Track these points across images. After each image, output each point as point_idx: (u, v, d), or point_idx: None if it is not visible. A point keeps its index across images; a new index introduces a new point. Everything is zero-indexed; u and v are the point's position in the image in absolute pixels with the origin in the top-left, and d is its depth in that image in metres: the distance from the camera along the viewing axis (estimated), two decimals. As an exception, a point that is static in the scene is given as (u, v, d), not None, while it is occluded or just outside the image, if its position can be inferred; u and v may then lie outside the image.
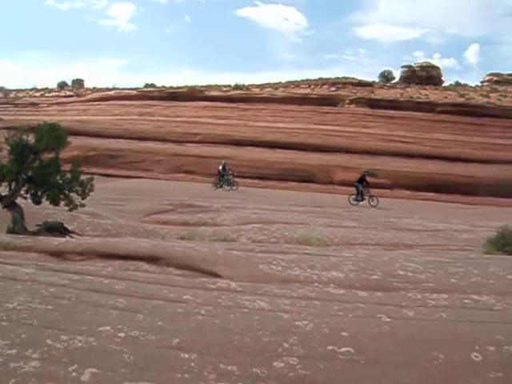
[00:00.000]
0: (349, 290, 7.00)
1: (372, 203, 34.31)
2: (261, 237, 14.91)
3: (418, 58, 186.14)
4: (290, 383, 4.37)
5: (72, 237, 13.28)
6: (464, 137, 53.40)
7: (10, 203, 14.04)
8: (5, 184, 14.17)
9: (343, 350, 4.92)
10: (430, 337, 5.32)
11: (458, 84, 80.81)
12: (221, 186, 36.82)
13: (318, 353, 4.87)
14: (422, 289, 7.33)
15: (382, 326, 5.55)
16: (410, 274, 8.10)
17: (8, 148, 14.21)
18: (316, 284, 7.20)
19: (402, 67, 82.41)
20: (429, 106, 61.44)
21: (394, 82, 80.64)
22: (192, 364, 4.58)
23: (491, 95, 67.23)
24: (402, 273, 8.08)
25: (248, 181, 43.44)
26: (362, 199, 35.03)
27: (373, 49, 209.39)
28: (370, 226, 18.80)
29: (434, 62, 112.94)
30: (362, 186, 35.57)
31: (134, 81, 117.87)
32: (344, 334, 5.27)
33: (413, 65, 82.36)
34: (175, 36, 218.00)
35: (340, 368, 4.64)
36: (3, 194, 14.12)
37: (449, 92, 69.74)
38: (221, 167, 38.18)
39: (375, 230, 17.39)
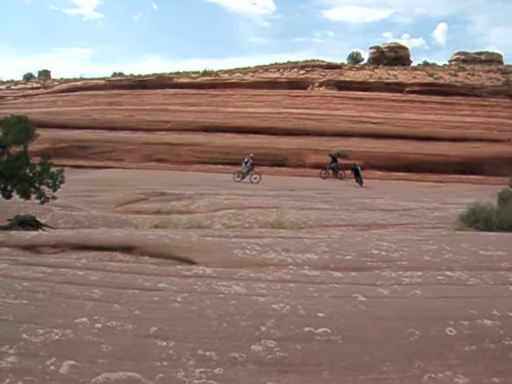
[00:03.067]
0: (323, 271, 7.04)
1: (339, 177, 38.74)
2: (234, 222, 14.92)
3: (387, 39, 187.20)
4: (269, 366, 4.41)
5: (44, 230, 13.16)
6: (433, 116, 53.80)
7: (-21, 198, 13.89)
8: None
9: (320, 330, 4.96)
10: (406, 314, 5.39)
11: (426, 64, 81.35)
12: (243, 177, 36.17)
13: (295, 334, 4.91)
14: (396, 267, 7.41)
15: (358, 306, 5.60)
16: (383, 253, 8.17)
17: (-25, 142, 14.03)
18: (291, 266, 7.23)
19: (371, 48, 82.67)
20: (398, 87, 61.85)
21: (362, 63, 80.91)
22: (170, 351, 4.58)
23: (459, 74, 67.89)
24: (375, 252, 8.15)
25: (219, 167, 43.37)
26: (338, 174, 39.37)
27: (341, 31, 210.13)
28: (342, 207, 18.91)
29: (403, 42, 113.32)
30: (335, 164, 37.38)
31: (102, 70, 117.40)
32: (320, 314, 5.30)
33: (381, 46, 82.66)
34: (143, 24, 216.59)
35: (317, 348, 4.68)
36: (-28, 189, 13.95)
37: (417, 72, 70.24)
38: (246, 159, 37.82)
39: (348, 211, 17.51)
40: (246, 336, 4.86)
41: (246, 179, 35.74)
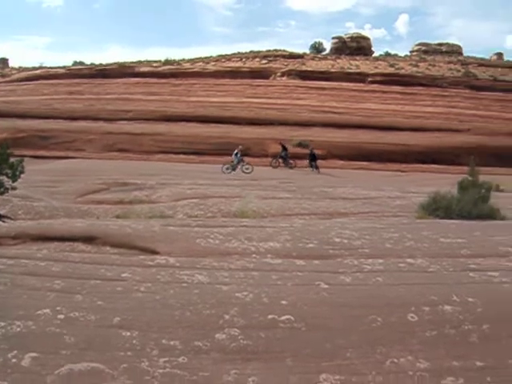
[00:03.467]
0: (286, 259, 7.09)
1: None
2: (197, 212, 14.86)
3: (350, 29, 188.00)
4: (233, 354, 4.43)
5: (4, 221, 12.95)
6: (395, 106, 54.34)
7: None
8: None
9: (283, 318, 5.00)
10: (368, 301, 5.46)
11: (387, 54, 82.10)
12: (233, 169, 35.23)
13: (259, 322, 4.94)
14: (358, 255, 7.49)
15: (321, 293, 5.65)
16: (345, 241, 8.25)
17: None
18: (254, 255, 7.26)
19: (333, 38, 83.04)
20: (359, 77, 62.30)
21: (325, 53, 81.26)
22: (134, 341, 4.58)
23: (420, 65, 68.73)
24: (337, 240, 8.23)
25: (182, 156, 43.15)
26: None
27: (304, 20, 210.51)
28: (304, 196, 18.97)
29: (365, 32, 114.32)
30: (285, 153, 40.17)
31: (62, 59, 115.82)
32: (283, 302, 5.34)
33: (343, 36, 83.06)
34: (103, 12, 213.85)
35: (281, 336, 4.72)
36: None
37: (379, 62, 70.87)
38: (236, 152, 37.24)
39: (310, 200, 17.56)
40: (210, 324, 4.87)
41: (237, 170, 35.00)
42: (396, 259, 7.24)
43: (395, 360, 4.40)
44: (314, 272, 6.43)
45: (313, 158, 39.98)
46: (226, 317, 5.01)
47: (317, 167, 39.06)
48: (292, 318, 5.00)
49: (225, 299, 5.41)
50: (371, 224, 10.58)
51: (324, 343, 4.61)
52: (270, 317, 5.02)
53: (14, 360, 4.28)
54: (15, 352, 4.37)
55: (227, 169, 34.66)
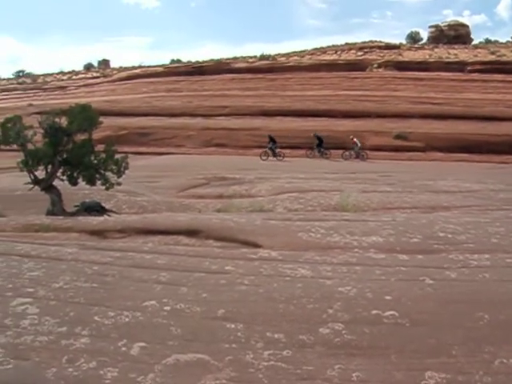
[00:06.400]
0: (389, 254, 6.98)
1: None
2: (297, 206, 14.87)
3: (448, 17, 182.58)
4: (337, 348, 4.40)
5: (110, 215, 13.40)
6: (496, 95, 52.33)
7: (47, 186, 14.20)
8: (41, 167, 14.32)
9: (387, 313, 4.94)
10: (474, 297, 5.30)
11: (487, 41, 79.08)
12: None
13: (363, 317, 4.90)
14: (463, 250, 7.29)
15: (425, 289, 5.54)
16: (449, 236, 8.04)
17: (42, 132, 14.34)
18: (356, 249, 7.19)
19: (430, 27, 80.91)
20: (458, 66, 60.35)
21: (421, 43, 79.32)
22: (238, 334, 4.63)
23: (523, 50, 65.88)
24: (441, 235, 8.02)
25: (279, 151, 43.23)
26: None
27: (400, 10, 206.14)
28: (405, 189, 18.64)
29: (464, 19, 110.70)
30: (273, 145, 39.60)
31: (160, 57, 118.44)
32: (387, 297, 5.27)
33: (440, 24, 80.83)
34: (199, 10, 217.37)
35: (385, 331, 4.66)
36: (40, 177, 14.28)
37: (479, 50, 68.42)
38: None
39: (411, 194, 17.24)
40: (314, 319, 4.87)
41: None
42: (503, 255, 7.00)
43: (504, 360, 4.22)
44: (418, 267, 6.31)
45: (320, 142, 40.10)
46: (330, 311, 4.99)
47: (325, 152, 39.44)
48: (396, 313, 4.93)
49: (328, 293, 5.39)
50: (475, 218, 10.27)
51: (429, 340, 4.52)
52: (373, 312, 4.97)
53: (123, 348, 4.43)
54: (125, 341, 4.53)
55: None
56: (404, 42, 79.11)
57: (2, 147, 14.64)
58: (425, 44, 76.78)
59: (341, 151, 39.05)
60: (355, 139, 40.49)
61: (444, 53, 67.00)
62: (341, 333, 4.62)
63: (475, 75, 57.33)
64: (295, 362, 4.21)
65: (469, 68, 59.82)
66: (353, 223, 8.66)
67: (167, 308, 5.16)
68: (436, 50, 69.45)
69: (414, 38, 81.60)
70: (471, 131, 45.29)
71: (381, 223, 8.67)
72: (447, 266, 6.33)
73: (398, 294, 5.35)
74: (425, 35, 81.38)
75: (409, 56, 66.53)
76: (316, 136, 40.71)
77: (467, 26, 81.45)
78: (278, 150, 38.86)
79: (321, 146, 40.28)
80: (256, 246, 7.61)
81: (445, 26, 79.47)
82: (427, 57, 65.05)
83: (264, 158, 37.28)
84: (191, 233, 8.53)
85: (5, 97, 74.20)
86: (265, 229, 8.36)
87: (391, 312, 4.95)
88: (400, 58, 64.84)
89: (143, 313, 5.07)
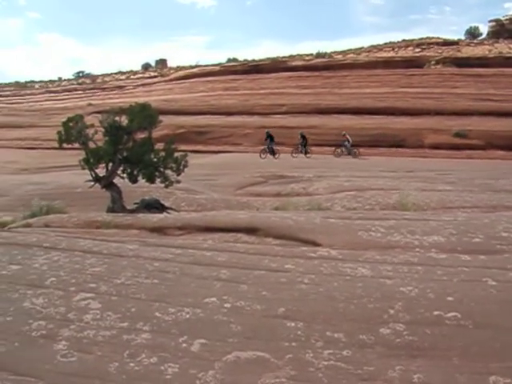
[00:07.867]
0: (451, 254, 6.84)
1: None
2: (355, 204, 14.79)
3: (509, 10, 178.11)
4: (397, 349, 4.36)
5: (169, 213, 13.54)
6: (561, 91, 50.97)
7: (108, 183, 14.47)
8: (102, 165, 14.60)
9: (450, 314, 4.85)
10: (541, 299, 5.16)
11: (552, 35, 76.90)
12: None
13: (425, 318, 4.83)
14: (528, 250, 7.09)
15: (489, 290, 5.43)
16: (513, 236, 7.84)
17: (102, 130, 14.60)
18: (417, 249, 7.08)
19: (490, 22, 79.01)
20: (520, 61, 58.93)
21: (481, 38, 77.58)
22: (298, 332, 4.63)
23: None
24: (505, 235, 7.81)
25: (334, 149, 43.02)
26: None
27: (458, 5, 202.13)
28: (465, 188, 18.33)
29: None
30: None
31: (217, 57, 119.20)
32: (450, 298, 5.19)
33: (501, 18, 78.85)
34: (255, 8, 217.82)
35: (447, 333, 4.58)
36: (101, 174, 14.55)
37: (542, 45, 66.67)
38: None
39: (471, 193, 16.95)
40: (374, 319, 4.83)
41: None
42: None
43: None
44: (481, 268, 6.17)
45: (304, 141, 40.33)
46: (391, 311, 4.94)
47: (306, 152, 39.46)
48: (459, 315, 4.84)
49: (389, 293, 5.33)
50: (541, 218, 9.98)
51: (493, 342, 4.41)
52: (435, 313, 4.89)
53: (184, 345, 4.49)
54: (185, 337, 4.58)
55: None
56: (462, 37, 77.53)
57: (64, 145, 14.94)
58: (484, 39, 75.03)
59: (395, 149, 38.57)
60: (347, 135, 40.61)
61: (505, 48, 65.42)
62: (402, 333, 4.57)
63: (538, 71, 55.77)
64: (355, 362, 4.18)
65: (532, 63, 58.25)
66: (413, 222, 8.52)
67: (227, 305, 5.20)
68: (496, 45, 67.87)
69: (472, 33, 79.82)
70: (534, 128, 44.16)
71: (442, 222, 8.51)
72: (511, 267, 6.17)
73: (460, 295, 5.26)
74: (484, 30, 79.51)
75: (468, 52, 65.25)
76: (301, 135, 40.67)
77: (530, 20, 79.21)
78: (275, 148, 39.20)
79: (305, 144, 40.79)
80: (315, 244, 7.58)
81: (506, 20, 77.35)
82: (487, 52, 63.66)
83: (263, 156, 37.33)
84: (250, 230, 8.54)
85: (65, 97, 76.20)
86: (324, 227, 8.32)
87: (453, 313, 4.86)
88: (459, 55, 63.66)
89: (203, 309, 5.12)
